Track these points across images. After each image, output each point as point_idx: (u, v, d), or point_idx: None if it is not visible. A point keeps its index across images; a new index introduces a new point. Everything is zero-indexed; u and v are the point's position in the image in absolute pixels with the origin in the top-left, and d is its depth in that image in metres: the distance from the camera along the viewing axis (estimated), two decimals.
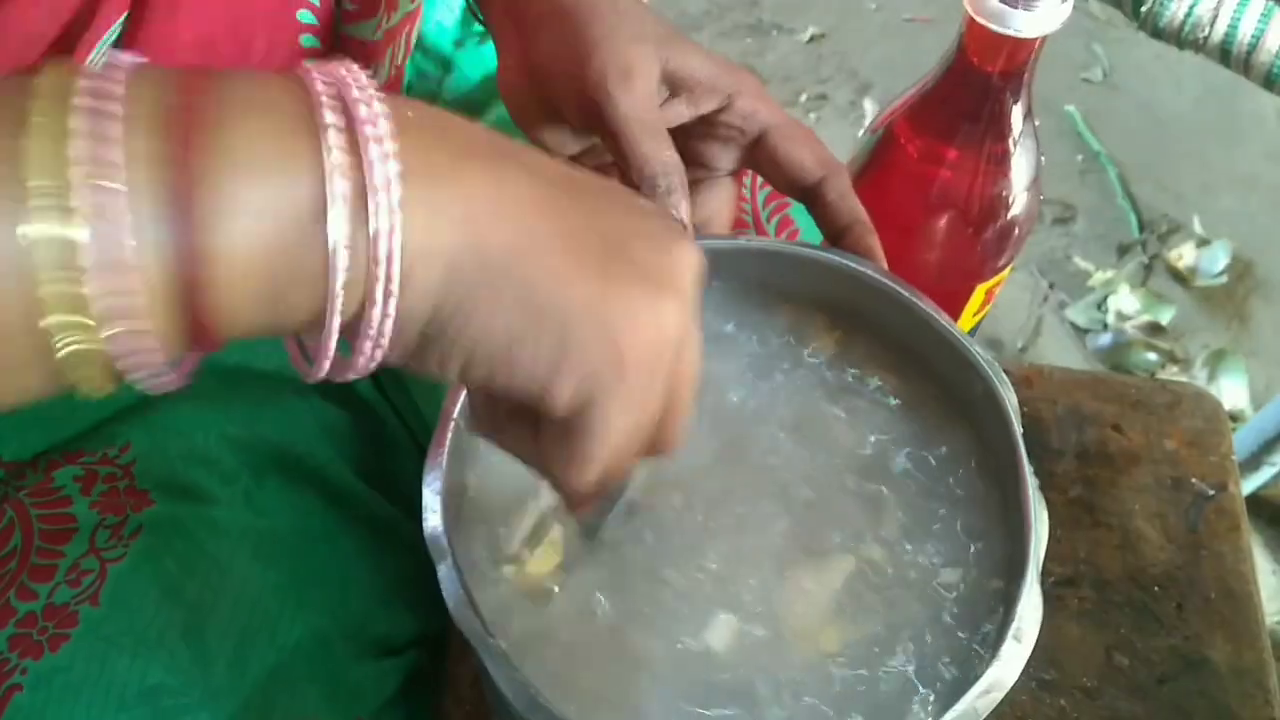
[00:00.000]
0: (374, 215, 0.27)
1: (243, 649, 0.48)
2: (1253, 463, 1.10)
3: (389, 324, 0.29)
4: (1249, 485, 1.12)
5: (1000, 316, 1.49)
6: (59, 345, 0.25)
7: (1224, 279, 1.53)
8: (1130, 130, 1.70)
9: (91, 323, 0.25)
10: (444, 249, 0.29)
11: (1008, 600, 0.41)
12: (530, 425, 0.34)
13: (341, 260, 0.27)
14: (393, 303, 0.28)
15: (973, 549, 0.44)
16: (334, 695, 0.50)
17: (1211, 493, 0.64)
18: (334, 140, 0.27)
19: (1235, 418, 1.37)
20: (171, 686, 0.46)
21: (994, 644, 0.39)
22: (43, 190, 0.24)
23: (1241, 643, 0.59)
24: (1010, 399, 0.44)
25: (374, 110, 0.28)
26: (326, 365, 0.30)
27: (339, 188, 0.27)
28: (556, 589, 0.43)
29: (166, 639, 0.46)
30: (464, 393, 0.44)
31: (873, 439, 0.47)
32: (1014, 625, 0.39)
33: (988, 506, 0.46)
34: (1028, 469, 0.42)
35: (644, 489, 0.45)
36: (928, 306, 0.47)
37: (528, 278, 0.29)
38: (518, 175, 0.30)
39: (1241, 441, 1.09)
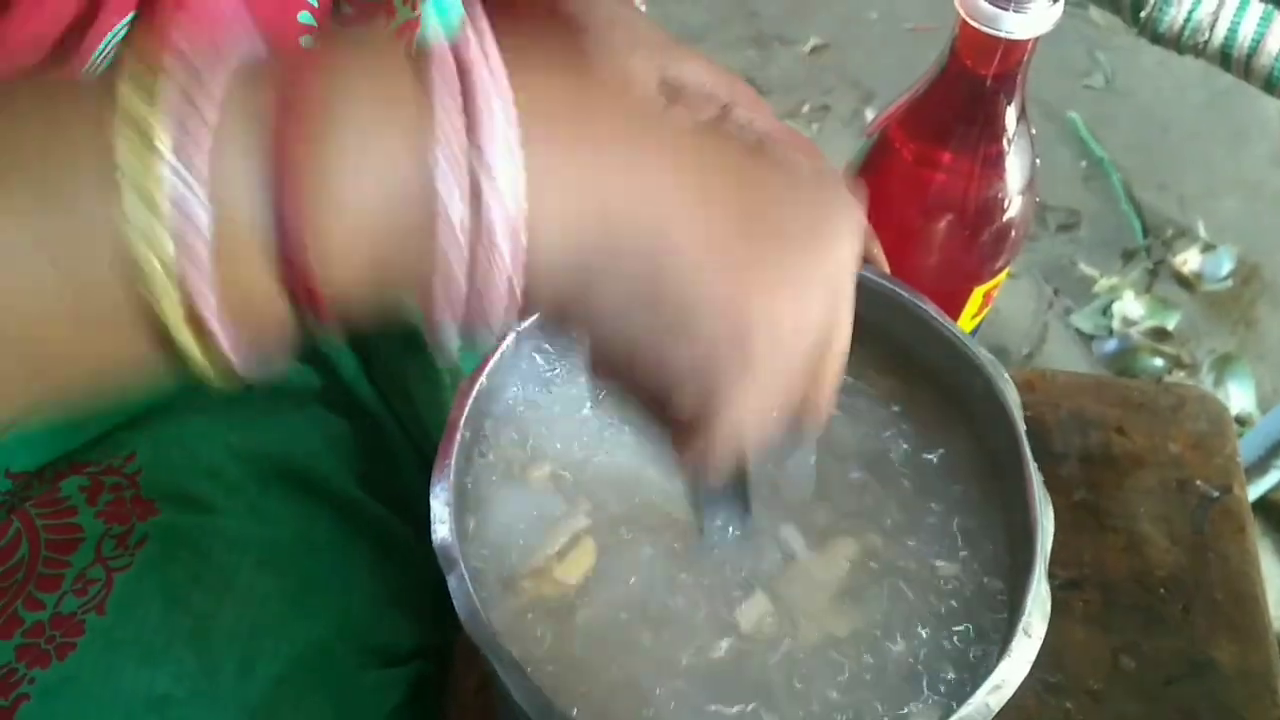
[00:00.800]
0: (488, 195, 0.25)
1: (248, 658, 0.48)
2: (1260, 467, 1.10)
3: (500, 307, 0.27)
4: (1256, 490, 1.12)
5: (1005, 323, 1.49)
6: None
7: (1229, 283, 1.53)
8: (1134, 136, 1.70)
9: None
10: (568, 232, 0.27)
11: (1014, 597, 0.41)
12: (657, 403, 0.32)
13: (448, 237, 0.26)
14: (503, 283, 0.26)
15: (972, 549, 0.45)
16: (339, 704, 0.50)
17: (1216, 494, 0.64)
18: (445, 117, 0.25)
19: (1242, 422, 1.37)
20: (178, 696, 0.46)
21: (1003, 640, 0.39)
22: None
23: (1248, 645, 0.59)
24: (1011, 395, 0.45)
25: (494, 80, 0.26)
26: (450, 346, 0.29)
27: (447, 168, 0.25)
28: (576, 603, 0.43)
29: (173, 648, 0.47)
30: (469, 401, 0.44)
31: (872, 441, 0.48)
32: (1024, 620, 0.39)
33: (989, 505, 0.46)
34: (1031, 465, 0.43)
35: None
36: (929, 308, 0.47)
37: (656, 270, 0.28)
38: (657, 150, 0.28)
39: (1249, 446, 1.09)
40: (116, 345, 0.25)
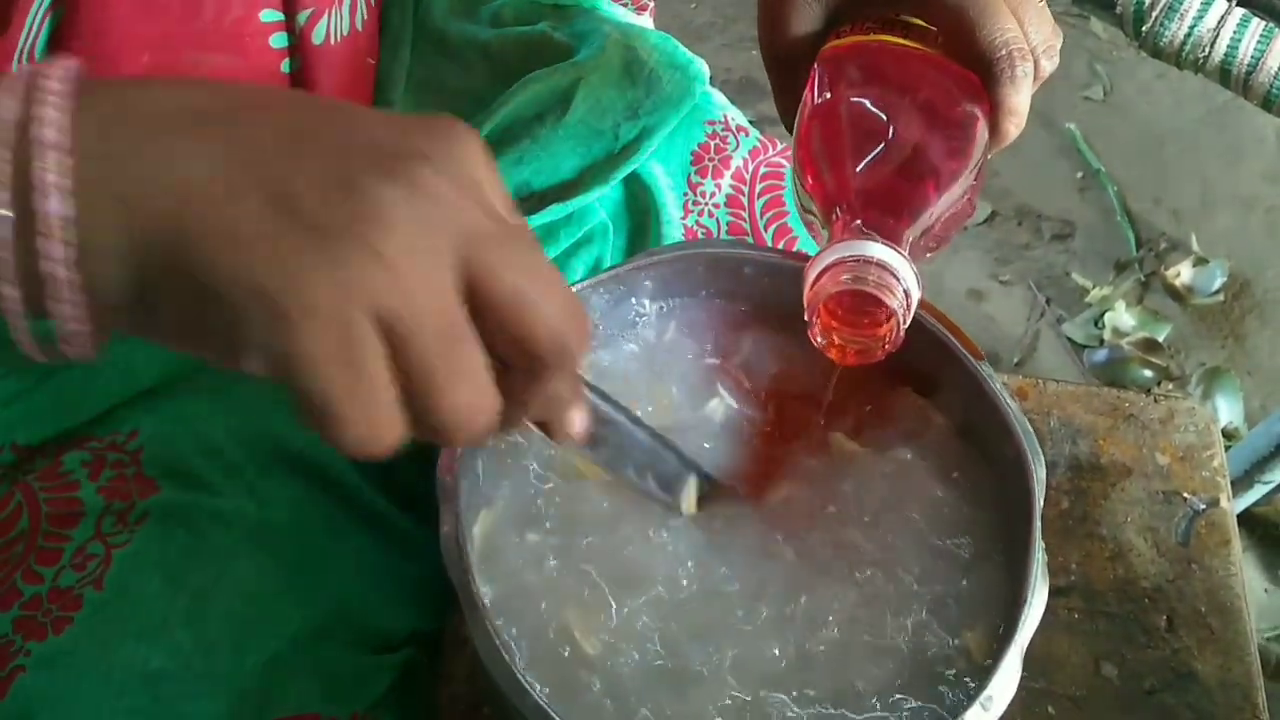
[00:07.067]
0: (39, 204, 0.28)
1: (242, 638, 0.48)
2: (1246, 480, 1.11)
3: (67, 308, 0.29)
4: (1242, 503, 1.13)
5: (997, 330, 1.50)
6: None
7: (1220, 297, 1.54)
8: (1130, 149, 1.71)
9: None
10: (116, 232, 0.29)
11: (986, 668, 0.42)
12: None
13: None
14: (65, 285, 0.29)
15: (961, 610, 0.45)
16: (331, 687, 0.50)
17: (1203, 507, 0.65)
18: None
19: (1229, 435, 1.38)
20: (172, 673, 0.46)
21: (963, 706, 0.40)
22: None
23: (1230, 656, 0.60)
24: (1039, 472, 0.45)
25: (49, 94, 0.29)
26: (25, 341, 0.31)
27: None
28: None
29: (169, 625, 0.47)
30: None
31: (883, 489, 0.48)
32: (985, 693, 0.40)
33: (989, 568, 0.46)
34: (1039, 546, 0.43)
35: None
36: (984, 368, 0.48)
37: (190, 262, 0.29)
38: (195, 146, 0.30)
39: (1235, 459, 1.10)
40: None
